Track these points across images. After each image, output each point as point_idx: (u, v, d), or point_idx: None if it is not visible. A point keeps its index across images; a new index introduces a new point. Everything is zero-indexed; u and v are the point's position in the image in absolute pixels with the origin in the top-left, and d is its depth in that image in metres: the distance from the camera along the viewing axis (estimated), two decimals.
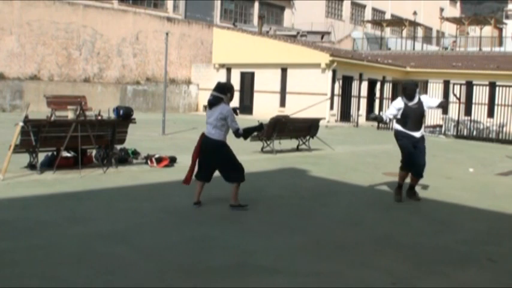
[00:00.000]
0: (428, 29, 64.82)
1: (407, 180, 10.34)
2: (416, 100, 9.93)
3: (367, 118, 10.40)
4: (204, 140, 8.78)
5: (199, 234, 7.25)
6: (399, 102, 10.04)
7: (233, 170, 8.69)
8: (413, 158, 10.11)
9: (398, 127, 10.14)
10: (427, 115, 30.13)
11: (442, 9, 73.04)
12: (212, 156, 8.71)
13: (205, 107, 9.03)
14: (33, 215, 7.85)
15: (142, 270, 5.73)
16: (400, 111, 9.98)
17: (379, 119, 11.02)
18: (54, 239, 6.73)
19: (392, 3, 64.43)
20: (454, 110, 29.96)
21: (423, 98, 10.19)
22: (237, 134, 8.72)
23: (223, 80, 36.01)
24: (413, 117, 9.92)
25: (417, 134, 10.04)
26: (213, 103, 8.64)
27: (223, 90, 8.67)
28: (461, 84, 28.70)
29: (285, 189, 8.68)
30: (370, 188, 11.44)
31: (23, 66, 30.44)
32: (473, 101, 29.39)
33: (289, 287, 5.53)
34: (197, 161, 8.85)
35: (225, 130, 8.72)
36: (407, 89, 10.09)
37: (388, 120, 10.75)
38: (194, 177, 8.81)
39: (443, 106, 11.55)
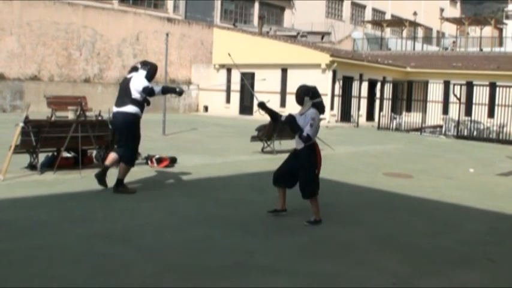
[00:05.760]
0: (428, 30, 64.86)
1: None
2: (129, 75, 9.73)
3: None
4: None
5: (199, 234, 7.26)
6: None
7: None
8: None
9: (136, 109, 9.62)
10: (430, 116, 30.23)
11: (442, 10, 73.08)
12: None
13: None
14: (33, 215, 7.85)
15: (142, 271, 5.74)
16: None
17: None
18: (54, 239, 6.74)
19: (393, 4, 64.48)
20: (454, 110, 29.98)
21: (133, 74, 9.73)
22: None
23: (224, 80, 35.92)
24: (119, 91, 9.81)
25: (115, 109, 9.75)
26: None
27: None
28: (461, 85, 28.72)
29: (287, 190, 8.68)
30: (370, 188, 11.43)
31: (23, 66, 30.44)
32: (474, 101, 29.39)
33: (289, 287, 5.53)
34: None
35: None
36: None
37: None
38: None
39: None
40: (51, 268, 5.69)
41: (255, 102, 8.86)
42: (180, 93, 10.32)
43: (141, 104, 9.67)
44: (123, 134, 9.82)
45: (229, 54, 10.53)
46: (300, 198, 8.22)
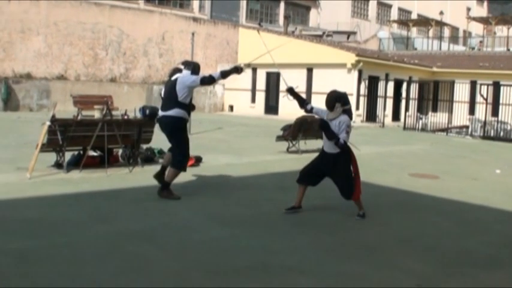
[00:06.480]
0: (454, 29, 64.31)
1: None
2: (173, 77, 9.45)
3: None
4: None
5: (224, 234, 7.27)
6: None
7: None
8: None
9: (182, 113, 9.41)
10: (456, 117, 29.99)
11: (468, 9, 72.43)
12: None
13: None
14: (59, 214, 7.92)
15: (167, 269, 5.75)
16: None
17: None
18: (79, 237, 6.78)
19: (419, 3, 64.06)
20: (481, 110, 29.71)
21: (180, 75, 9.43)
22: None
23: (249, 80, 35.88)
24: (164, 93, 9.52)
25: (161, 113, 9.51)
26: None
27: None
28: (488, 85, 28.44)
29: (310, 190, 8.67)
30: (396, 189, 11.37)
31: (50, 66, 30.73)
32: (501, 101, 29.04)
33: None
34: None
35: None
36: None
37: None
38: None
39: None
40: (76, 266, 5.73)
41: (283, 86, 8.59)
42: (239, 70, 9.81)
43: (187, 107, 9.46)
44: (170, 138, 9.72)
45: (258, 32, 10.21)
46: (325, 198, 8.20)
